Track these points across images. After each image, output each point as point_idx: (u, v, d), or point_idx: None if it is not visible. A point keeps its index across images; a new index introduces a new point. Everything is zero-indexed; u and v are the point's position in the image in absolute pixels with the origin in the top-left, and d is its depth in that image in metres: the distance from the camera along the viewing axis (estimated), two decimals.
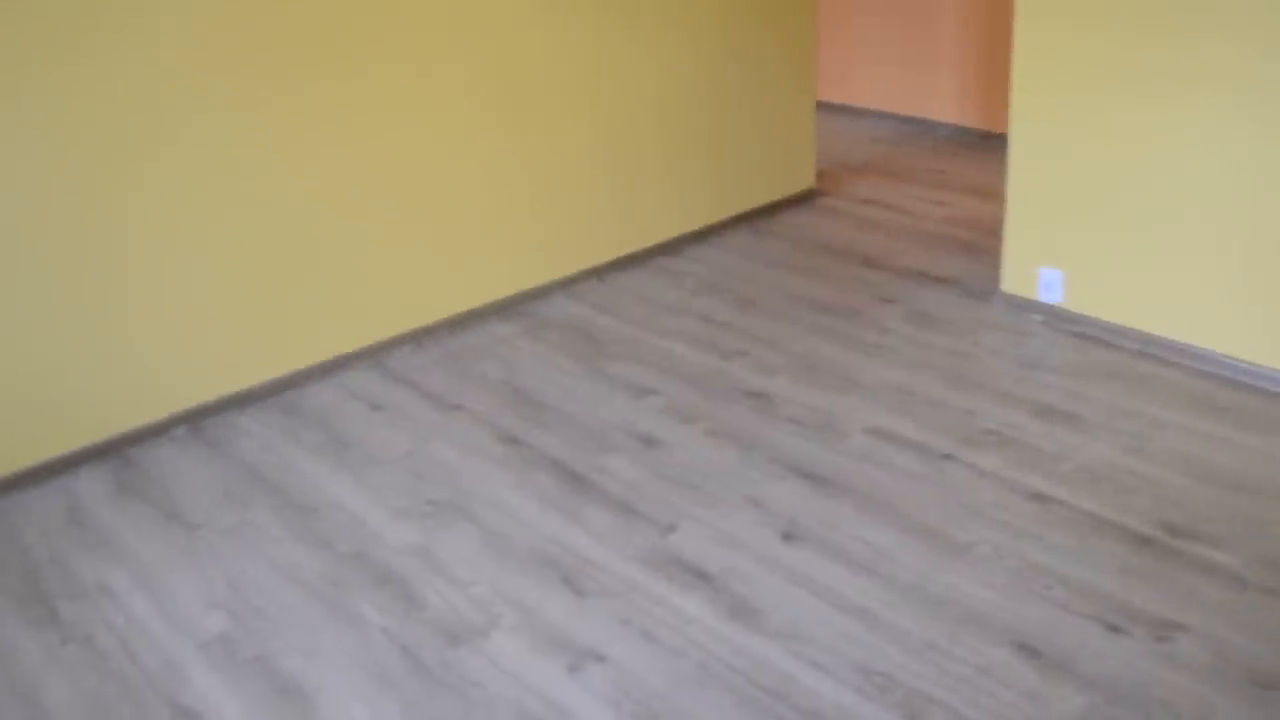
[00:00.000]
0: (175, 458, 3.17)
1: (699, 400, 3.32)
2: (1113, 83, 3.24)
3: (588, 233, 4.14)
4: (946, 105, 6.01)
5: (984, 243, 4.40)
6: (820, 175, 5.21)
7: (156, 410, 3.25)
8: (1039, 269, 3.64)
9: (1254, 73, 2.94)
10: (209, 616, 2.54)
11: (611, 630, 2.42)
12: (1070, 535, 2.61)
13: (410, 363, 3.65)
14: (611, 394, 3.39)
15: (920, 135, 6.06)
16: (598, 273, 4.23)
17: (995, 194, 4.75)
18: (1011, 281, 3.75)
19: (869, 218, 4.79)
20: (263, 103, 3.17)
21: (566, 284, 4.14)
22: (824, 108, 6.21)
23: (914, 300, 3.93)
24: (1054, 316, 3.64)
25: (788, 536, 2.67)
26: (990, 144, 5.70)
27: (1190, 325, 3.31)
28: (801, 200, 4.94)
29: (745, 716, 2.16)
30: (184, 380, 3.28)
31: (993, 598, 2.43)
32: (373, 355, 3.68)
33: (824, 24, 6.26)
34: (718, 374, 3.47)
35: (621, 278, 4.24)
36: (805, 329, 3.75)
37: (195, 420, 3.33)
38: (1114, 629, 2.32)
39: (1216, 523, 2.62)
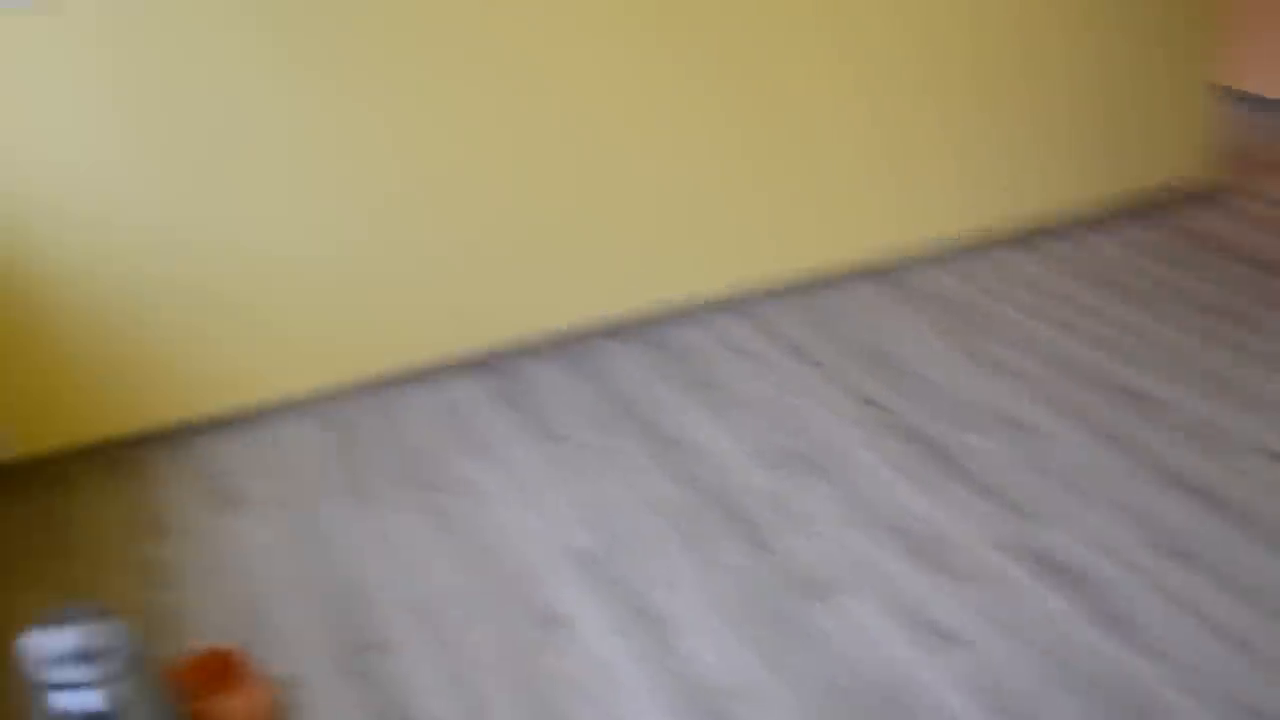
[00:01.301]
0: (550, 375, 3.35)
1: (1074, 391, 3.16)
2: None
3: (964, 202, 4.00)
4: None
5: None
6: (1225, 170, 4.79)
7: (533, 327, 3.45)
8: None
9: None
10: (573, 531, 2.67)
11: (969, 613, 2.35)
12: None
13: (775, 314, 3.67)
14: (979, 371, 3.28)
15: None
16: (973, 247, 4.09)
17: None
18: None
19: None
20: (667, 43, 3.24)
21: (940, 255, 4.03)
22: (1241, 98, 5.69)
23: None
24: None
25: (1168, 552, 2.50)
26: None
27: None
28: (1201, 195, 4.57)
29: None
30: (562, 302, 3.45)
31: None
32: (741, 302, 3.73)
33: None
34: (1096, 368, 3.28)
35: (1000, 255, 4.08)
36: (1196, 334, 3.48)
37: (570, 343, 3.51)
38: None
39: None
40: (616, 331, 3.57)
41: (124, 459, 3.03)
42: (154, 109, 2.73)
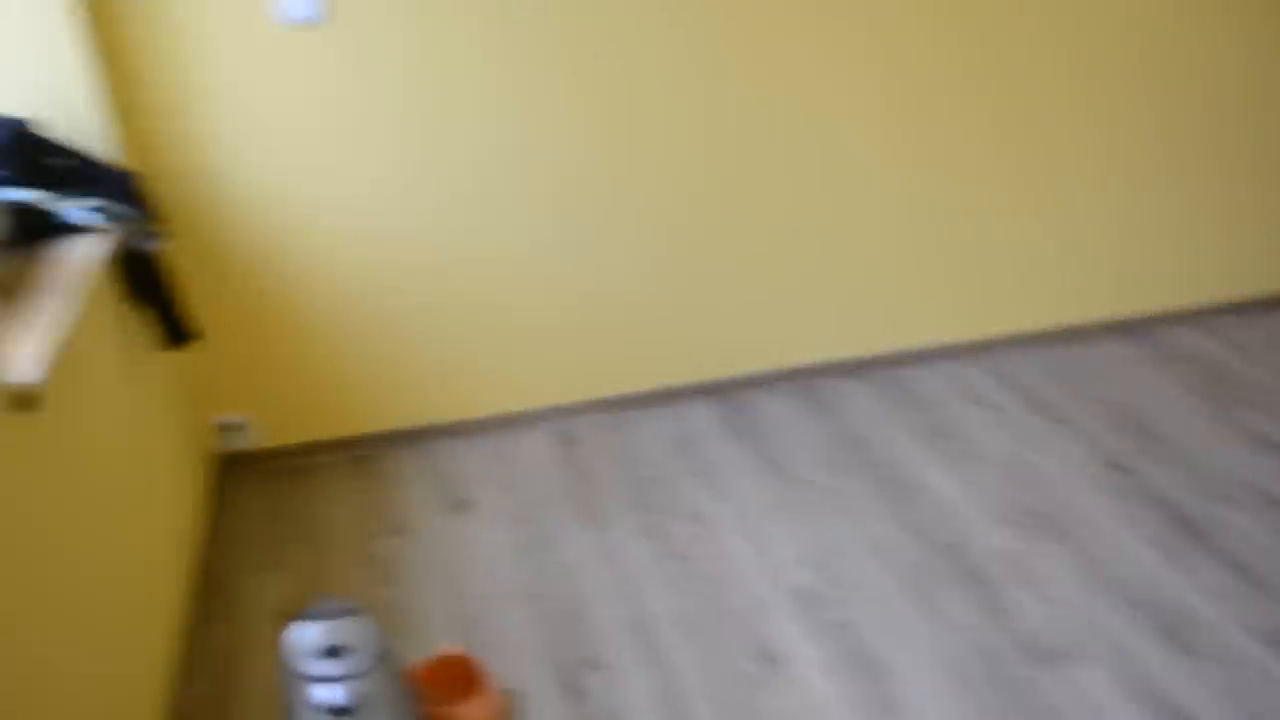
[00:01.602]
0: (783, 410, 3.34)
1: None
2: None
3: (1214, 262, 3.76)
4: None
5: None
6: None
7: (771, 362, 3.44)
8: None
9: None
10: (798, 569, 2.64)
11: (1209, 696, 2.20)
12: None
13: (1019, 366, 3.54)
14: (1238, 441, 3.07)
15: None
16: (1228, 308, 3.83)
17: None
18: None
19: None
20: (931, 104, 3.19)
21: (1197, 315, 3.80)
22: None
23: None
24: None
25: None
26: None
27: None
28: None
29: None
30: (801, 339, 3.43)
31: None
32: (984, 351, 3.62)
33: None
34: None
35: (1255, 318, 3.81)
36: None
37: (805, 379, 3.48)
38: None
39: None
40: (854, 372, 3.52)
41: (366, 457, 3.20)
42: (429, 123, 2.87)
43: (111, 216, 2.37)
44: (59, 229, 2.33)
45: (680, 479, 3.03)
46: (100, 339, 2.31)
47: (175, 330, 2.60)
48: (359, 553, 2.79)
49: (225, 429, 3.14)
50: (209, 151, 2.78)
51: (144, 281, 2.52)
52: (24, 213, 2.29)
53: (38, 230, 2.31)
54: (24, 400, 1.66)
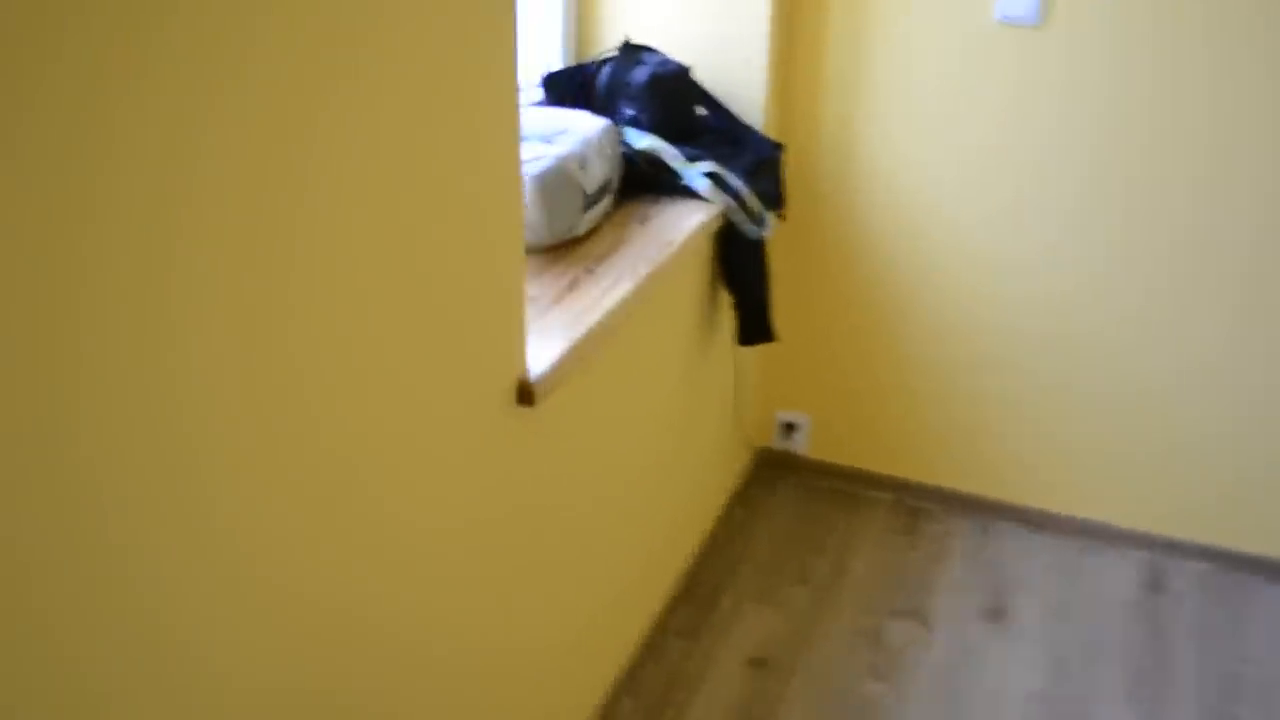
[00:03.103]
0: None
1: None
2: None
3: None
4: None
5: None
6: None
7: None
8: None
9: None
10: None
11: None
12: None
13: None
14: None
15: None
16: None
17: None
18: None
19: None
20: None
21: None
22: None
23: None
24: None
25: None
26: None
27: None
28: None
29: None
30: None
31: None
32: None
33: None
34: None
35: None
36: None
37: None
38: None
39: None
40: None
41: (912, 510, 2.81)
42: (1127, 151, 2.35)
43: (724, 189, 2.18)
44: (669, 187, 2.18)
45: None
46: (673, 318, 2.15)
47: (756, 326, 2.38)
48: (862, 621, 2.44)
49: (783, 427, 2.92)
50: (855, 142, 2.51)
51: (741, 268, 2.32)
52: (641, 159, 2.17)
53: (648, 182, 2.18)
54: (525, 394, 1.49)
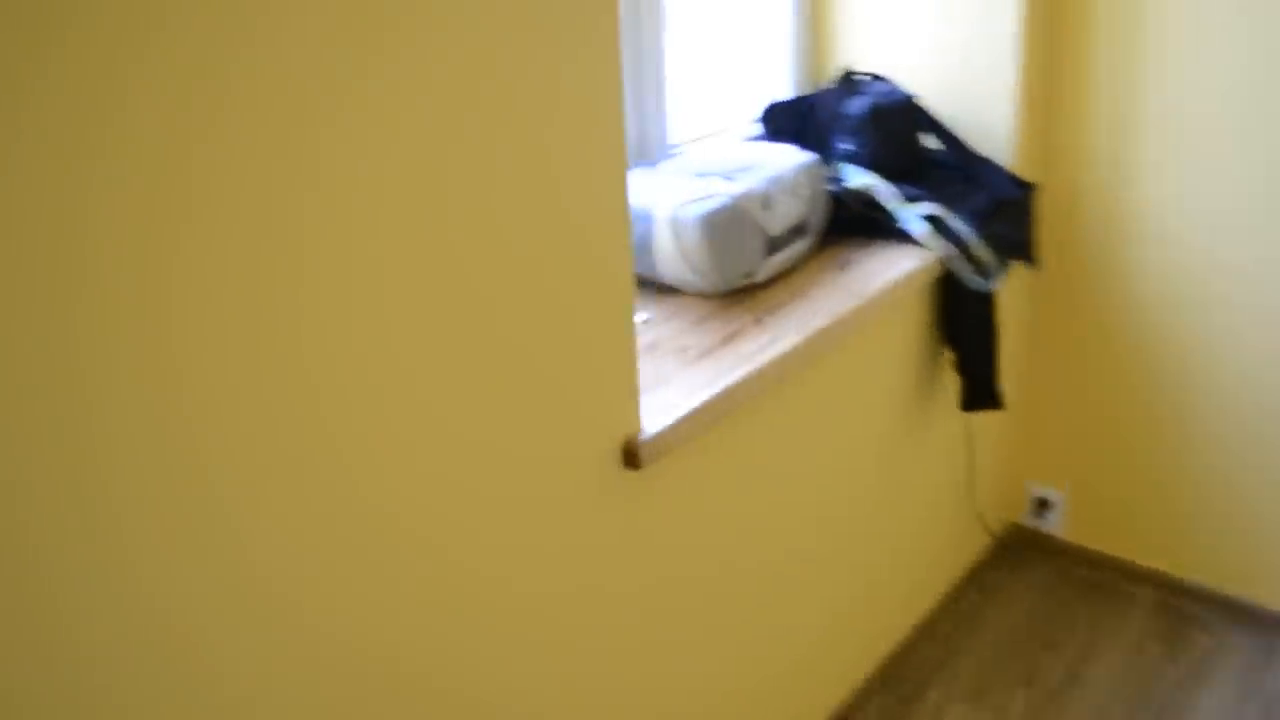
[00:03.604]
0: None
1: None
2: None
3: None
4: None
5: None
6: None
7: None
8: None
9: None
10: None
11: None
12: None
13: None
14: None
15: None
16: None
17: None
18: None
19: None
20: None
21: None
22: None
23: None
24: None
25: None
26: None
27: None
28: None
29: None
30: None
31: None
32: None
33: None
34: None
35: None
36: None
37: None
38: None
39: None
40: None
41: (1172, 607, 2.40)
42: None
43: (944, 234, 1.93)
44: (883, 230, 1.96)
45: None
46: (868, 375, 1.92)
47: (980, 390, 2.10)
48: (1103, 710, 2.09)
49: (1035, 502, 2.59)
50: (1127, 183, 2.18)
51: (964, 324, 2.06)
52: (853, 199, 1.96)
53: (861, 224, 1.97)
54: (631, 457, 1.34)
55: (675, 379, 1.48)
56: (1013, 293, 2.33)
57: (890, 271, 1.85)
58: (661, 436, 1.35)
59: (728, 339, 1.60)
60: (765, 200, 1.74)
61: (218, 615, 0.95)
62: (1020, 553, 2.61)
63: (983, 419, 2.38)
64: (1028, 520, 2.62)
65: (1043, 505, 2.57)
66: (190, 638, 0.94)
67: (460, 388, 1.11)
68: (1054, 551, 2.59)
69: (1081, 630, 2.37)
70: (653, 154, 1.95)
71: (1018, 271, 2.31)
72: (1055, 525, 2.58)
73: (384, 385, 1.04)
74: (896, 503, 2.13)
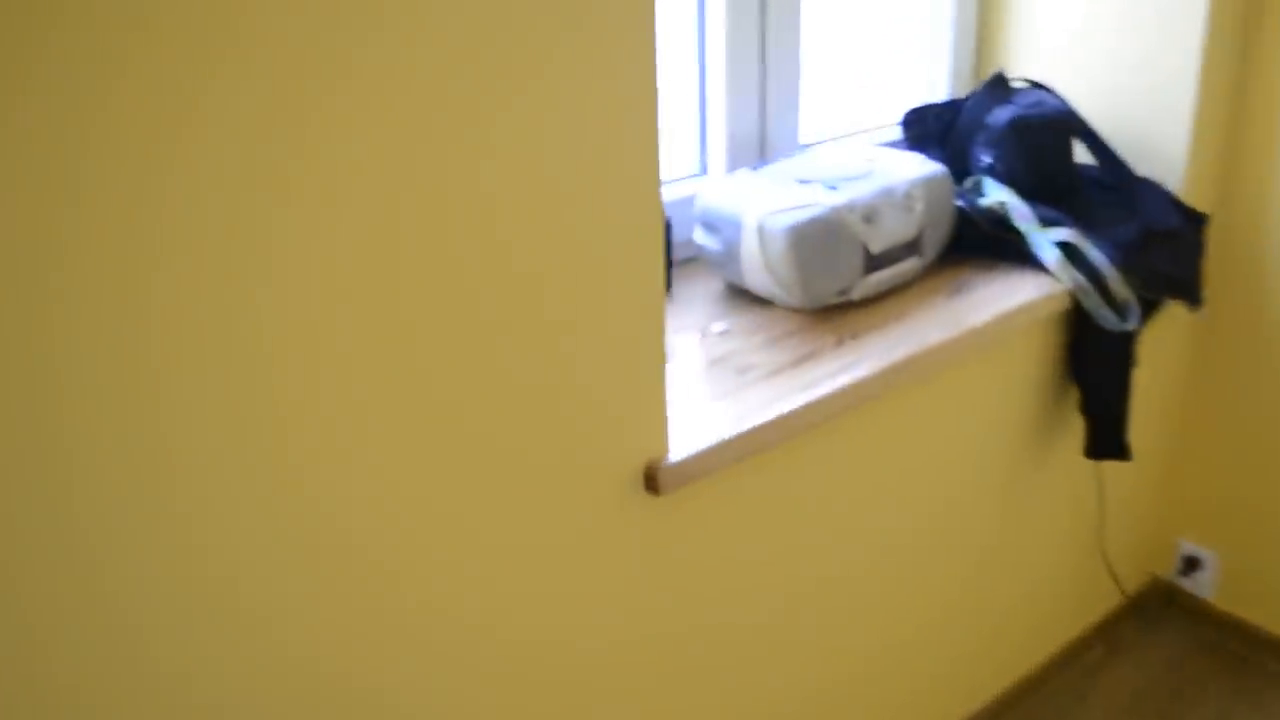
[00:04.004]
0: None
1: None
2: None
3: None
4: None
5: None
6: None
7: None
8: None
9: None
10: None
11: None
12: None
13: None
14: None
15: None
16: None
17: None
18: None
19: None
20: None
21: None
22: None
23: None
24: None
25: None
26: None
27: None
28: None
29: None
30: None
31: None
32: None
33: None
34: None
35: None
36: None
37: None
38: None
39: None
40: None
41: None
42: None
43: (1078, 264, 1.76)
44: (1013, 253, 1.80)
45: None
46: (968, 410, 1.78)
47: (1105, 438, 1.91)
48: None
49: (1184, 560, 2.37)
50: None
51: (1092, 364, 1.88)
52: (983, 217, 1.82)
53: (991, 244, 1.82)
54: (651, 481, 1.27)
55: (729, 400, 1.40)
56: (1168, 334, 2.12)
57: (1007, 300, 1.70)
58: (689, 463, 1.28)
59: (800, 360, 1.51)
60: (869, 213, 1.63)
61: (210, 641, 0.95)
62: (1159, 611, 2.40)
63: (1121, 466, 2.18)
64: (1173, 578, 2.40)
65: (1191, 564, 2.35)
66: (181, 650, 0.94)
67: (465, 395, 1.08)
68: (1197, 615, 2.36)
69: (1211, 707, 2.15)
70: (779, 153, 1.86)
71: (1176, 311, 2.10)
72: (1203, 587, 2.35)
73: (386, 399, 1.02)
74: (999, 552, 1.97)
